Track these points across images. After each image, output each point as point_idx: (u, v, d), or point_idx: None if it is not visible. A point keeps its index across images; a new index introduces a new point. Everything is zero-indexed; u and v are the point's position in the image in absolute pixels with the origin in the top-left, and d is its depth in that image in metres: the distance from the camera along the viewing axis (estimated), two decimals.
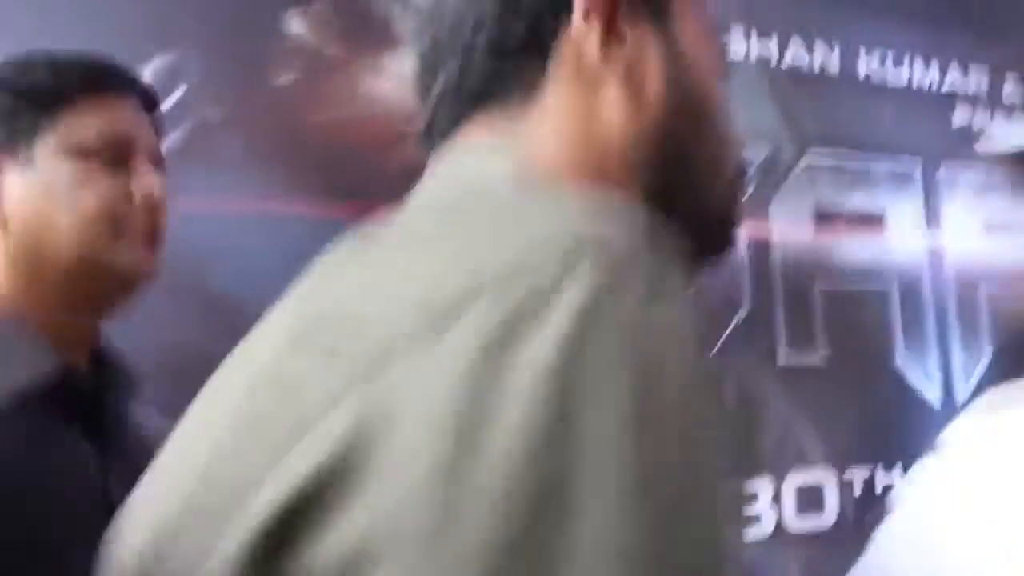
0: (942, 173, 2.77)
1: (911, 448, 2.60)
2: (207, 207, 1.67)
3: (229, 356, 0.60)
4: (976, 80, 2.90)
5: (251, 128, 1.75)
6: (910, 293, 2.64)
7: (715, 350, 2.27)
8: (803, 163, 2.51)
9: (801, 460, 2.36)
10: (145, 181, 1.03)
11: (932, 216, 2.73)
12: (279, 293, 1.81)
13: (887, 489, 2.50)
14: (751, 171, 2.41)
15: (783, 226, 2.43)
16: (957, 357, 2.70)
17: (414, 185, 2.14)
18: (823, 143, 2.55)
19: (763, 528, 2.27)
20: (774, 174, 2.46)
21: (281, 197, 1.77)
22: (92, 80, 1.03)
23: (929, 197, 2.74)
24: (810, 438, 2.38)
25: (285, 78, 1.79)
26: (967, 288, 2.74)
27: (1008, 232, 2.88)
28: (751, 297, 2.34)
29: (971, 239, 2.79)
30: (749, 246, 2.36)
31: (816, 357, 2.43)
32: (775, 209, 2.43)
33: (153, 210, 1.04)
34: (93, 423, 0.96)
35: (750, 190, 2.39)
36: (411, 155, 2.08)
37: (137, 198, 1.01)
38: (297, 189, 1.79)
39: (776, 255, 2.41)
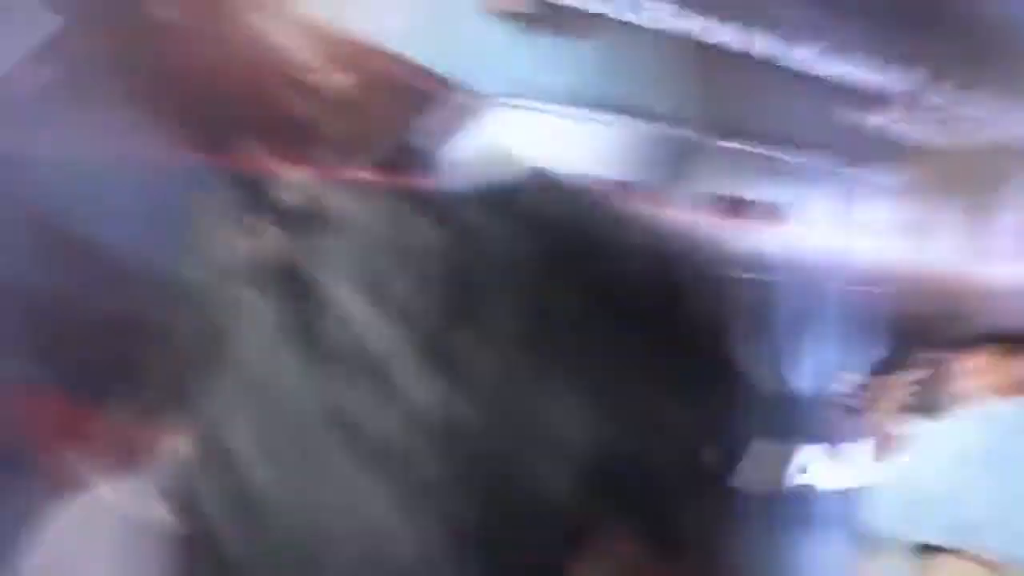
0: (851, 171, 2.82)
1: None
2: (73, 151, 1.64)
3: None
4: (899, 84, 2.93)
5: (121, 67, 1.70)
6: (798, 285, 2.71)
7: None
8: (709, 149, 2.53)
9: None
10: None
11: (835, 212, 2.79)
12: (153, 244, 1.79)
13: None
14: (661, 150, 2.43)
15: (678, 210, 2.47)
16: (835, 353, 2.80)
17: (296, 137, 2.10)
18: (735, 131, 2.57)
19: None
20: (678, 157, 2.48)
21: (154, 143, 1.74)
22: None
23: (835, 194, 2.79)
24: None
25: (162, 12, 1.73)
26: (856, 287, 2.82)
27: (914, 236, 2.96)
28: None
29: (873, 239, 2.87)
30: None
31: None
32: (677, 192, 2.47)
33: None
34: None
35: (653, 171, 2.41)
36: (296, 106, 2.05)
37: None
38: (172, 135, 1.75)
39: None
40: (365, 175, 2.01)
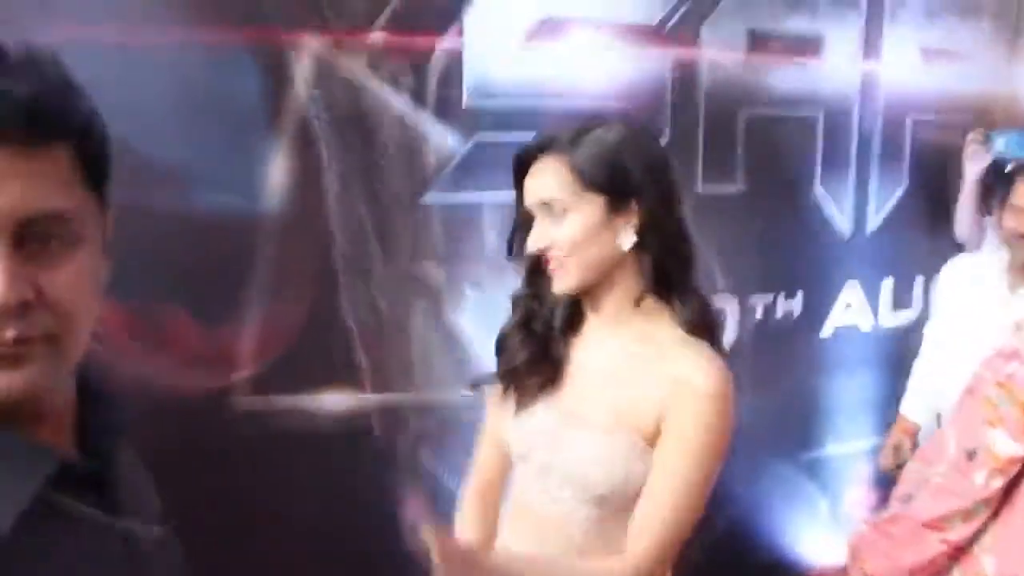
0: None
1: (817, 276, 2.69)
2: (79, 31, 1.55)
3: None
4: None
5: None
6: (837, 121, 2.61)
7: None
8: None
9: (709, 287, 2.42)
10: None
11: (871, 42, 2.65)
12: (164, 126, 1.73)
13: (787, 315, 2.60)
14: None
15: (713, 49, 2.35)
16: (873, 188, 2.72)
17: (309, 10, 1.98)
18: None
19: None
20: None
21: (164, 22, 1.65)
22: None
23: (869, 22, 2.64)
24: (719, 266, 2.42)
25: None
26: (895, 119, 2.72)
27: (946, 59, 2.82)
28: (673, 122, 2.29)
29: (908, 67, 2.73)
30: (675, 70, 2.29)
31: (734, 186, 2.43)
32: (707, 31, 2.34)
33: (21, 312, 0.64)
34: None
35: (681, 10, 2.28)
36: None
37: None
38: (182, 12, 1.66)
39: (703, 79, 2.35)
40: (378, 36, 1.91)
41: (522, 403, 1.24)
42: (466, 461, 2.13)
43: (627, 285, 1.19)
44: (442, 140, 2.00)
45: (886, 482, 2.72)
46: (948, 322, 2.42)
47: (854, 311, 2.74)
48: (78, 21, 1.58)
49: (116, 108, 1.62)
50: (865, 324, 2.77)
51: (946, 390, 2.42)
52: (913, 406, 2.53)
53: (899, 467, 2.43)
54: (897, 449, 2.50)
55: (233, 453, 1.83)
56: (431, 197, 2.01)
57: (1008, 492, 1.07)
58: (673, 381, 1.14)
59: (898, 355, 2.75)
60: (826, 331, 2.69)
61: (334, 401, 1.95)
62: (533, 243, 1.18)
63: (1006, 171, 2.44)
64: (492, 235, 2.09)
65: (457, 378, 2.06)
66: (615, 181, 1.16)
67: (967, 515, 1.06)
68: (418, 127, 1.98)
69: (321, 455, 1.93)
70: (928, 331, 2.57)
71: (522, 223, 1.22)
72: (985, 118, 2.85)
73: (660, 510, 1.13)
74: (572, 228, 1.15)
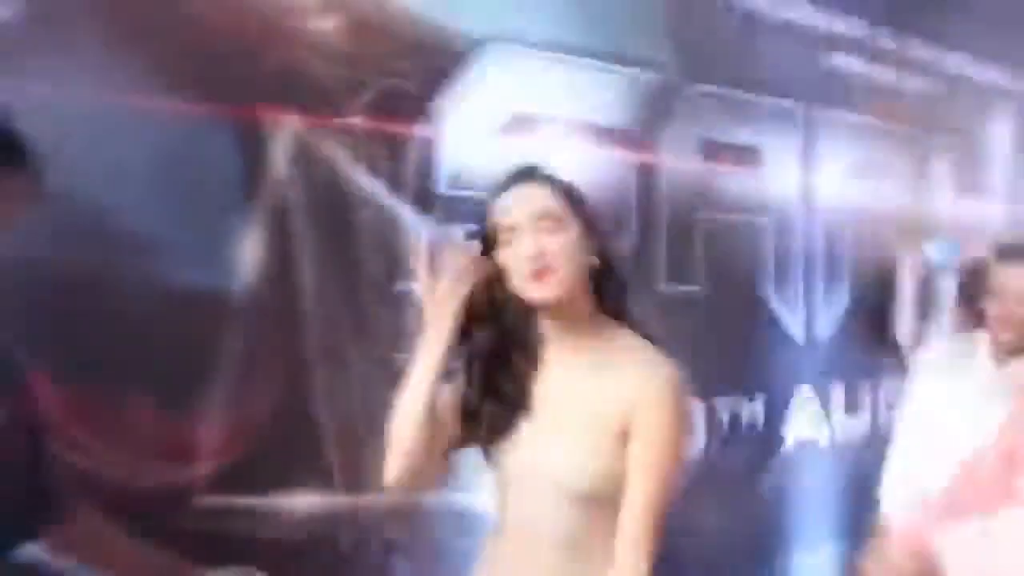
0: (819, 114, 2.83)
1: (774, 381, 2.71)
2: (58, 96, 1.48)
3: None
4: (855, 28, 2.97)
5: (113, 10, 1.56)
6: (783, 229, 2.70)
7: None
8: (690, 93, 2.49)
9: None
10: None
11: (808, 155, 2.79)
12: (137, 196, 1.63)
13: (752, 418, 2.59)
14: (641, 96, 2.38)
15: (671, 154, 2.42)
16: (820, 294, 2.80)
17: (285, 83, 1.96)
18: (710, 76, 2.54)
19: None
20: (663, 102, 2.43)
21: (145, 91, 1.58)
22: None
23: (806, 136, 2.79)
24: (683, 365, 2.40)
25: None
26: (834, 229, 2.83)
27: (873, 176, 3.00)
28: (639, 221, 2.32)
29: (841, 180, 2.88)
30: (638, 172, 2.34)
31: (695, 286, 2.46)
32: (664, 136, 2.41)
33: None
34: None
35: (640, 116, 2.36)
36: (289, 56, 1.91)
37: None
38: (164, 84, 1.60)
39: (663, 182, 2.40)
40: (356, 121, 1.89)
41: (506, 442, 1.33)
42: (442, 570, 1.97)
43: (584, 301, 1.32)
44: (419, 228, 1.95)
45: None
46: (930, 406, 2.40)
47: (810, 415, 2.75)
48: (54, 84, 1.49)
49: (90, 174, 1.53)
50: (822, 427, 2.78)
51: (933, 472, 2.36)
52: (894, 499, 2.45)
53: None
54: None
55: (190, 557, 1.62)
56: (408, 285, 1.93)
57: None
58: (632, 389, 1.25)
59: (856, 459, 2.76)
60: (787, 434, 2.68)
61: (301, 503, 1.78)
62: (531, 249, 1.26)
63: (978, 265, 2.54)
64: None
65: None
66: (587, 212, 1.34)
67: None
68: (395, 213, 1.92)
69: (285, 561, 1.74)
70: (903, 421, 2.56)
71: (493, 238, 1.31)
72: (906, 230, 3.02)
73: (642, 516, 1.24)
74: (569, 238, 1.29)
